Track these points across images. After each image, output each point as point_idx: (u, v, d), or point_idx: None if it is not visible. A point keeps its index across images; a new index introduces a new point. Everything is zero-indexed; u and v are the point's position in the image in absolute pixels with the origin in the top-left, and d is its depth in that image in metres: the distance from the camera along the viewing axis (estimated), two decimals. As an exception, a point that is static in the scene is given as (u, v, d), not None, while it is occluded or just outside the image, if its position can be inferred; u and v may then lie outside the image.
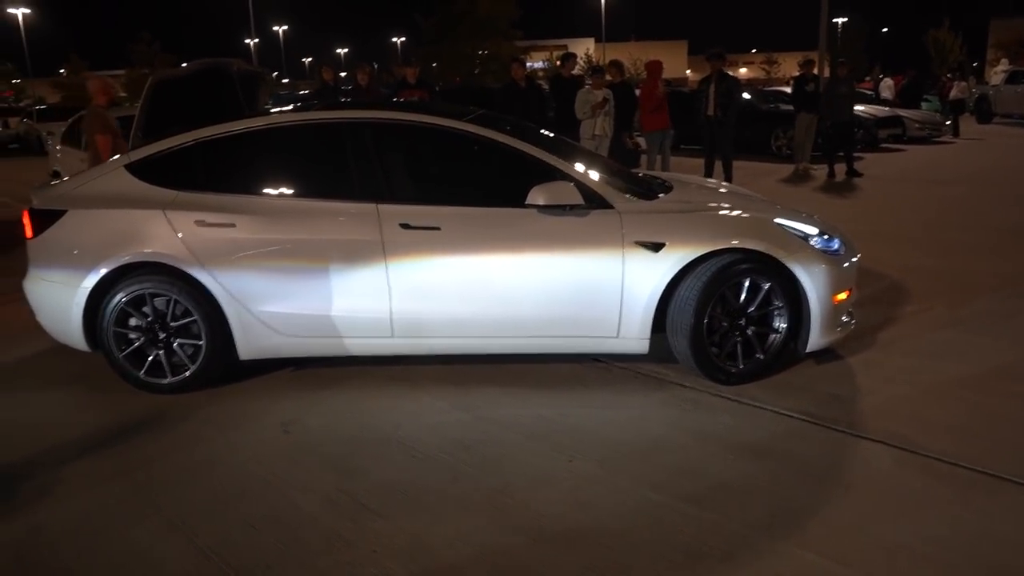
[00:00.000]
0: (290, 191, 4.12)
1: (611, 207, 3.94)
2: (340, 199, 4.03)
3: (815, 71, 13.03)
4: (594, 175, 4.10)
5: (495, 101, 9.46)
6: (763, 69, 70.86)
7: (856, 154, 14.54)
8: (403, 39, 73.58)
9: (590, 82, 9.38)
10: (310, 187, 4.14)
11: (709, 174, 10.20)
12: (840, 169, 11.83)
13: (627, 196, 4.05)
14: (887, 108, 17.44)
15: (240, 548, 2.75)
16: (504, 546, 2.70)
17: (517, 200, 3.89)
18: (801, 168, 12.48)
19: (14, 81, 65.26)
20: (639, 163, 10.41)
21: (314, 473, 3.27)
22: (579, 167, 4.10)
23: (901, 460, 3.21)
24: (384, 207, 3.96)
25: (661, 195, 4.29)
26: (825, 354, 4.30)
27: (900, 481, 3.05)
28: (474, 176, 4.35)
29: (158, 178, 4.13)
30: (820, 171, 12.23)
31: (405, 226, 3.92)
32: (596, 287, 3.90)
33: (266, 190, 4.11)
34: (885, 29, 52.85)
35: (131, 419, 3.84)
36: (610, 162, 4.84)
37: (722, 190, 5.18)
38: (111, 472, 3.33)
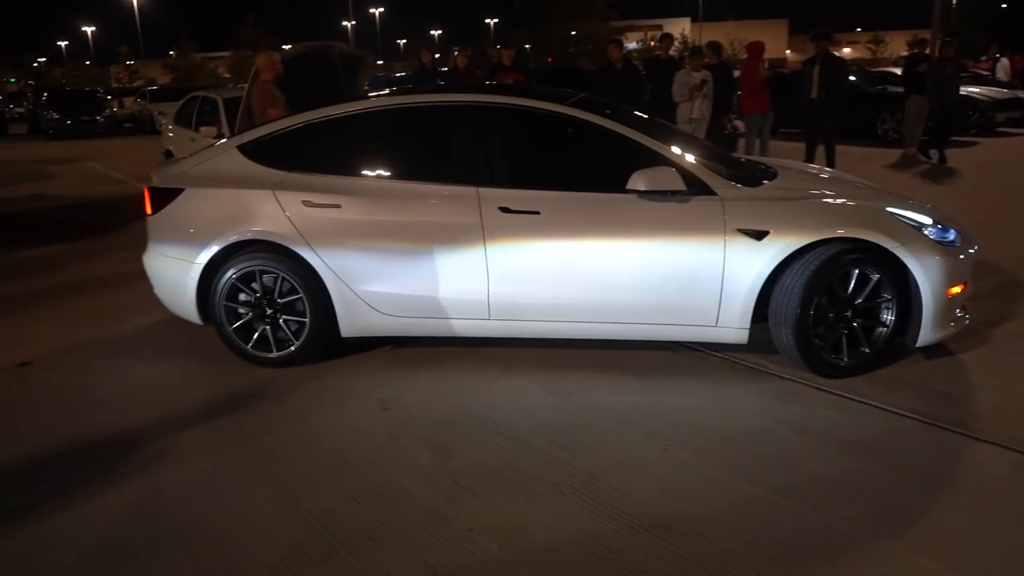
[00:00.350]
0: (393, 173, 4.20)
1: (713, 193, 3.86)
2: (441, 182, 4.09)
3: (927, 51, 12.38)
4: (696, 160, 4.03)
5: (591, 83, 9.34)
6: (869, 49, 67.89)
7: (971, 138, 13.83)
8: (497, 20, 73.77)
9: (688, 64, 9.17)
10: (412, 170, 4.21)
11: (810, 159, 9.85)
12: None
13: (730, 182, 3.97)
14: (1006, 90, 16.42)
15: (343, 519, 2.84)
16: (598, 532, 2.71)
17: (617, 185, 3.86)
18: (910, 153, 11.90)
19: (128, 63, 68.63)
20: (736, 147, 10.16)
21: (412, 450, 3.34)
22: (680, 152, 4.03)
23: (1019, 465, 3.05)
24: (484, 190, 3.99)
25: (765, 181, 4.18)
26: (935, 350, 4.12)
27: (1018, 487, 2.90)
28: (574, 160, 4.32)
29: (268, 159, 4.29)
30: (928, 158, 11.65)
31: (505, 210, 3.94)
32: (696, 275, 3.84)
33: (370, 172, 4.20)
34: (1005, 4, 49.54)
35: (240, 391, 4.02)
36: (712, 147, 4.74)
37: (827, 176, 5.01)
38: (222, 440, 3.50)
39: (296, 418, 3.70)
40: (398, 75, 22.92)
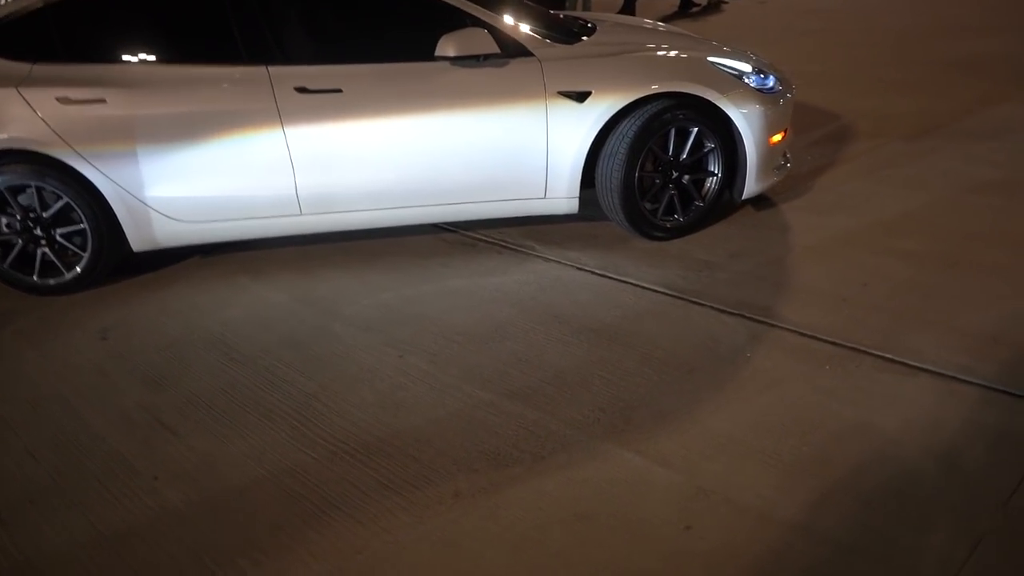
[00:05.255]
0: (167, 57, 3.56)
1: (531, 55, 3.53)
2: (225, 63, 3.51)
3: None
4: (510, 20, 3.64)
5: None
6: None
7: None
8: None
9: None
10: (190, 51, 3.58)
11: (629, 11, 9.54)
12: None
13: (546, 42, 3.62)
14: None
15: (10, 480, 2.48)
16: (297, 464, 2.45)
17: (427, 53, 3.45)
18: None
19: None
20: (565, 5, 9.67)
21: (120, 387, 2.96)
22: (492, 12, 3.62)
23: (756, 335, 2.96)
24: (276, 69, 3.47)
25: (584, 38, 3.84)
26: (761, 201, 4.08)
27: (749, 360, 2.82)
28: (376, 28, 3.78)
29: (7, 50, 3.54)
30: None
31: (302, 90, 3.45)
32: (519, 145, 3.56)
33: (138, 57, 3.55)
34: None
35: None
36: (528, 4, 4.32)
37: (645, 28, 4.71)
38: None
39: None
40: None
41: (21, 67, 3.51)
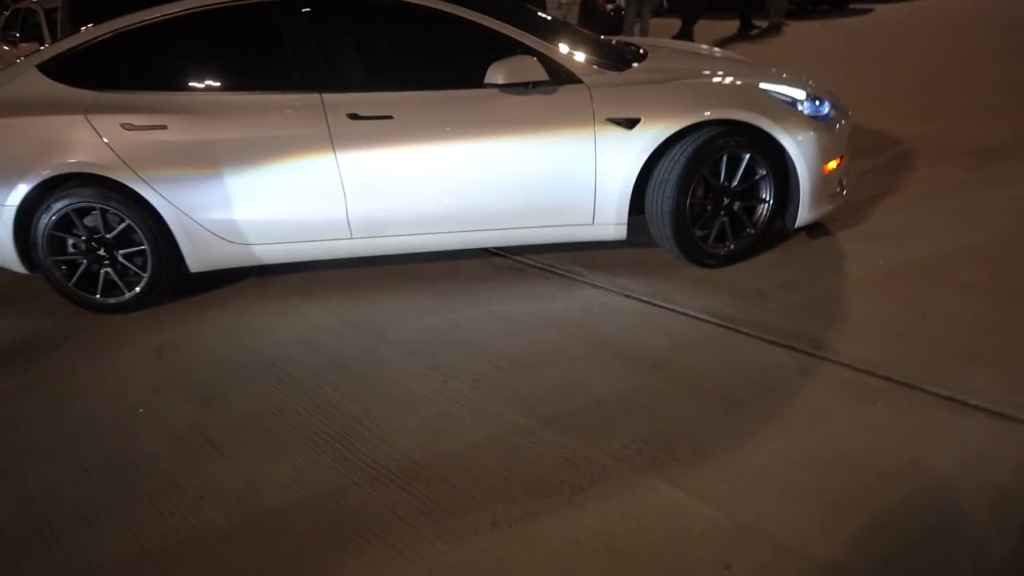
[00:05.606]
0: (224, 85, 3.69)
1: (579, 81, 3.56)
2: (280, 91, 3.62)
3: None
4: (560, 46, 3.68)
5: None
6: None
7: (866, 4, 13.58)
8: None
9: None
10: (246, 79, 3.70)
11: (686, 37, 9.50)
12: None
13: (595, 68, 3.65)
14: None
15: (64, 497, 2.56)
16: (339, 487, 2.47)
17: (476, 80, 3.51)
18: (776, 22, 11.66)
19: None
20: (623, 30, 9.70)
21: (172, 405, 3.05)
22: (541, 38, 3.66)
23: (806, 368, 2.89)
24: (329, 96, 3.57)
25: (634, 64, 3.86)
26: (815, 229, 4.03)
27: (798, 394, 2.75)
28: (427, 56, 3.86)
29: (76, 78, 3.70)
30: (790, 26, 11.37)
31: (354, 116, 3.54)
32: (567, 171, 3.58)
33: (198, 85, 3.69)
34: None
35: (4, 347, 3.64)
36: (578, 31, 4.35)
37: (700, 54, 4.71)
38: (-38, 410, 3.14)
39: (56, 376, 3.35)
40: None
41: (88, 95, 3.67)
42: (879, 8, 13.42)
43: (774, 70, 4.05)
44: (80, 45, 3.76)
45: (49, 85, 3.70)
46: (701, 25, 10.09)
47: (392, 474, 2.51)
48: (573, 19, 8.29)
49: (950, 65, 8.24)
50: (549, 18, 4.51)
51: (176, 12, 3.71)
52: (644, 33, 9.25)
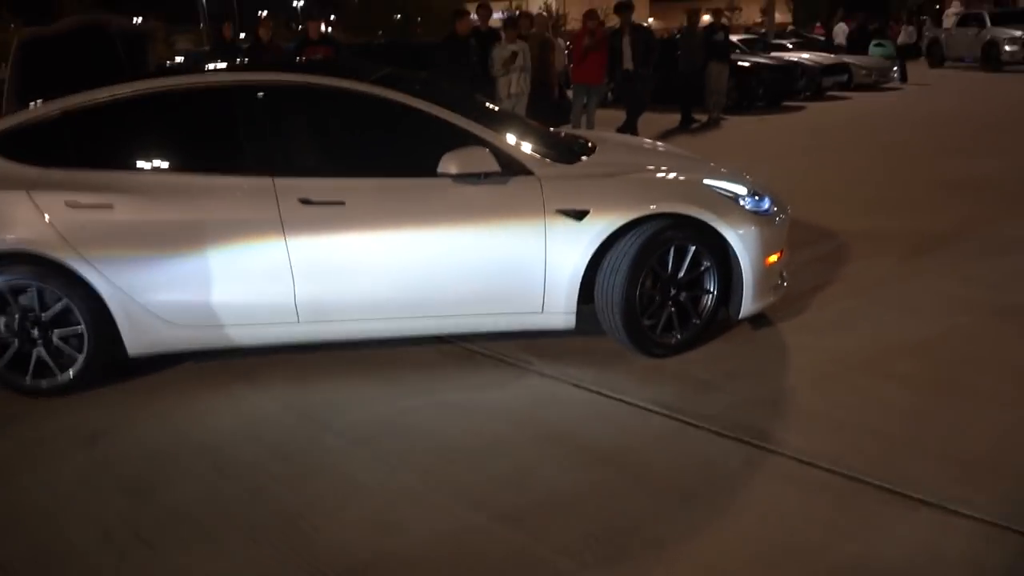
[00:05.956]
0: (175, 165, 3.66)
1: (530, 173, 3.61)
2: (232, 173, 3.60)
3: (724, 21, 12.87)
4: (511, 138, 3.76)
5: (435, 59, 8.74)
6: (726, 16, 69.90)
7: (798, 103, 14.31)
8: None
9: (503, 35, 8.83)
10: (197, 160, 3.68)
11: (630, 130, 9.86)
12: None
13: (546, 160, 3.72)
14: (833, 55, 17.05)
15: (-21, 598, 2.40)
16: (278, 587, 2.37)
17: (429, 169, 3.54)
18: (715, 117, 12.26)
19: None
20: (569, 121, 9.99)
21: (103, 496, 2.90)
22: (494, 130, 3.74)
23: (753, 460, 2.91)
24: (281, 181, 3.54)
25: (583, 157, 3.96)
26: (758, 319, 4.11)
27: (746, 487, 2.76)
28: (380, 144, 3.91)
29: (21, 154, 3.62)
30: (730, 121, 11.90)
31: (305, 201, 3.52)
32: (517, 260, 3.61)
33: (147, 164, 3.65)
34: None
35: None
36: (529, 123, 4.47)
37: (645, 148, 4.87)
38: None
39: (-18, 465, 3.18)
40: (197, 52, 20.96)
41: (33, 171, 3.60)
42: (811, 106, 14.14)
43: (715, 165, 4.22)
44: (28, 121, 3.72)
45: None
46: (644, 117, 10.47)
47: (337, 572, 2.42)
48: (522, 109, 8.49)
49: (882, 161, 8.68)
50: (500, 110, 4.65)
51: (129, 92, 3.71)
52: (590, 124, 9.54)
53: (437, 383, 3.69)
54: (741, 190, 3.88)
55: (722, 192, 3.81)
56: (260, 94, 3.70)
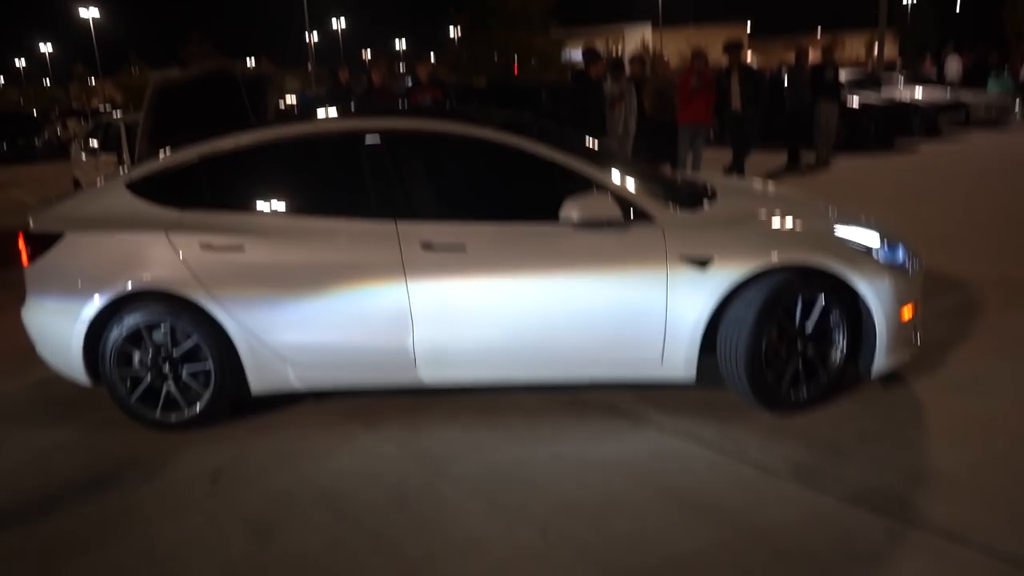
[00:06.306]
0: (302, 209, 3.79)
1: (653, 219, 3.57)
2: (356, 217, 3.70)
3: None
4: (633, 183, 3.73)
5: (542, 98, 8.79)
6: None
7: (912, 142, 13.73)
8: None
9: (610, 78, 8.82)
10: (324, 205, 3.80)
11: (737, 171, 9.66)
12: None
13: (669, 206, 3.67)
14: (946, 91, 16.32)
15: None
16: (402, 643, 2.33)
17: (550, 214, 3.54)
18: (824, 157, 11.85)
19: (86, 80, 67.14)
20: (677, 162, 9.87)
21: (227, 534, 2.96)
22: (616, 174, 3.73)
23: (896, 533, 2.72)
24: (404, 225, 3.63)
25: (706, 203, 3.89)
26: (890, 376, 3.88)
27: (888, 562, 2.57)
28: (501, 188, 3.96)
29: (161, 197, 3.83)
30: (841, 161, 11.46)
31: (427, 246, 3.59)
32: (637, 309, 3.55)
33: (276, 208, 3.80)
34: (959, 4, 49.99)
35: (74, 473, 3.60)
36: (649, 166, 4.42)
37: (768, 194, 4.76)
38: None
39: (113, 496, 3.29)
40: (313, 94, 21.70)
41: (172, 213, 3.77)
42: (926, 146, 13.55)
43: (844, 211, 4.04)
44: (168, 166, 3.91)
45: (135, 203, 3.82)
46: (751, 159, 10.24)
47: (458, 631, 2.37)
48: (628, 150, 8.44)
49: (1007, 205, 8.20)
50: (619, 153, 4.61)
51: (260, 139, 3.86)
52: (697, 164, 9.40)
53: (550, 432, 3.62)
54: (873, 239, 3.71)
55: (853, 242, 3.65)
56: (385, 140, 3.78)
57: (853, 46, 60.67)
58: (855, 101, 13.28)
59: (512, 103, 12.10)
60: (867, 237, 3.70)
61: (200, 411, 3.80)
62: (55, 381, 4.11)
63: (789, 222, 3.73)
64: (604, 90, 8.50)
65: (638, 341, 3.60)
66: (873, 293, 3.50)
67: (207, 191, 3.85)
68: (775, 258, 3.47)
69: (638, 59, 9.63)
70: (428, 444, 3.57)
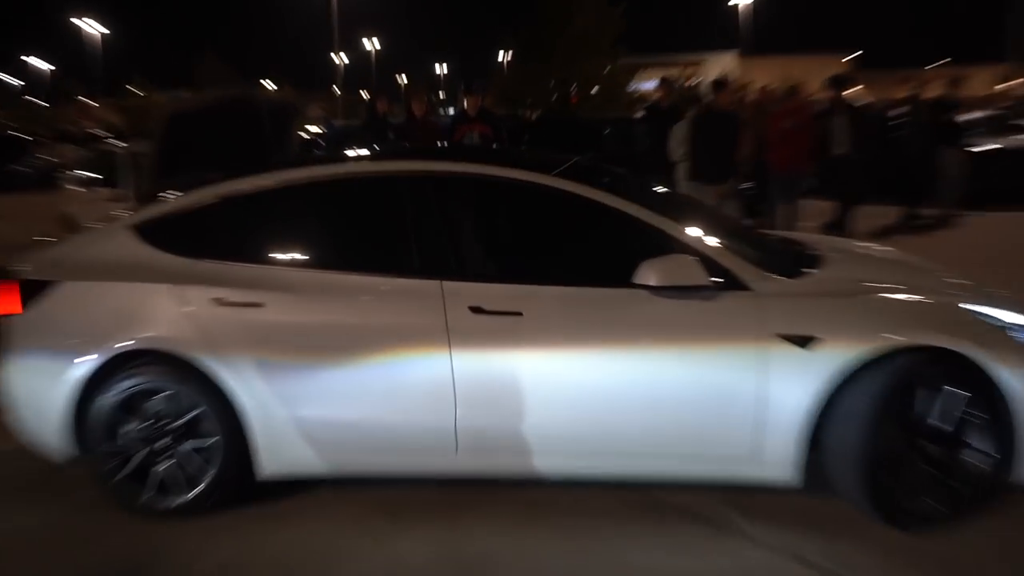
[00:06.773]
0: (333, 262, 3.84)
1: (746, 288, 3.54)
2: (395, 274, 3.73)
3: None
4: (722, 244, 3.71)
5: (601, 135, 8.93)
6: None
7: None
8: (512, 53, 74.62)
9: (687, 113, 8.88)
10: (358, 258, 3.86)
11: (838, 226, 9.51)
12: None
13: (765, 272, 3.64)
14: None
15: None
16: None
17: (621, 277, 3.53)
18: (948, 212, 11.66)
19: (81, 99, 69.67)
20: (763, 214, 9.81)
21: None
22: (702, 233, 3.71)
23: None
24: (450, 285, 3.64)
25: (809, 269, 3.85)
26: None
27: None
28: (566, 246, 3.97)
29: (171, 244, 3.89)
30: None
31: (477, 310, 3.58)
32: (724, 393, 3.50)
33: (303, 260, 3.86)
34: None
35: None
36: (743, 225, 4.40)
37: (884, 259, 4.72)
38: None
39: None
40: (342, 125, 21.99)
41: (180, 262, 3.82)
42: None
43: (972, 284, 3.94)
44: (181, 208, 3.97)
45: (141, 248, 3.88)
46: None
47: None
48: (730, 207, 8.39)
49: None
50: (706, 208, 4.58)
51: (289, 180, 3.92)
52: (792, 220, 9.24)
53: (620, 542, 3.54)
54: (1012, 315, 3.62)
55: (988, 318, 3.56)
56: (435, 186, 3.81)
57: (978, 83, 60.29)
58: (985, 146, 13.10)
59: (570, 140, 12.22)
60: (1006, 313, 3.62)
61: (201, 493, 3.77)
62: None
63: (910, 294, 3.64)
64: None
65: (724, 432, 3.53)
66: (1016, 382, 3.38)
67: (224, 238, 3.91)
68: (894, 338, 3.38)
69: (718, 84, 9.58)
70: (469, 551, 3.50)
